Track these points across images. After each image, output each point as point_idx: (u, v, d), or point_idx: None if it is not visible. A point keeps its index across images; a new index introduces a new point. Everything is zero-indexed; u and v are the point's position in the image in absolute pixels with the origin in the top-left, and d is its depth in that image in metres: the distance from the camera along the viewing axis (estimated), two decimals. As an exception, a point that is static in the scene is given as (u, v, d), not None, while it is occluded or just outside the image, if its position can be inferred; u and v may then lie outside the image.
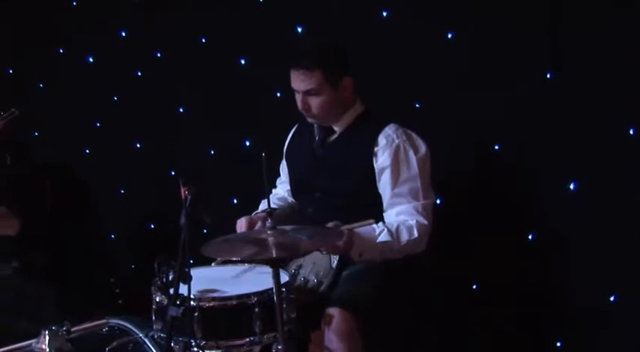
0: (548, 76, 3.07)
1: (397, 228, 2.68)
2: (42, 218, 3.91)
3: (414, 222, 2.70)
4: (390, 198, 2.76)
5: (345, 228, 2.61)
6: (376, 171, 2.78)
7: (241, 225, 2.82)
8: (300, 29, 3.65)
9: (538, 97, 3.10)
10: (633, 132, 2.91)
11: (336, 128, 2.89)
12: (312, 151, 2.95)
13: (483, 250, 3.25)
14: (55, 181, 4.48)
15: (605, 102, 2.95)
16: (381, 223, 2.72)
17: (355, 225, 2.64)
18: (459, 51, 3.25)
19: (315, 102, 2.79)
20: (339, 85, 2.80)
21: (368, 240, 2.65)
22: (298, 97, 2.82)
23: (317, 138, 2.93)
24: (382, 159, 2.77)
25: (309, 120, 2.89)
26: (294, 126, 3.15)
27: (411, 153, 2.77)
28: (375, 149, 2.78)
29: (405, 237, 2.67)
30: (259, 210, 2.92)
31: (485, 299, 3.33)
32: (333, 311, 2.55)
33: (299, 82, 2.78)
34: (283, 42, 3.60)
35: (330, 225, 2.63)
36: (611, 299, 3.04)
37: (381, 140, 2.78)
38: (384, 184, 2.77)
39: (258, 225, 2.78)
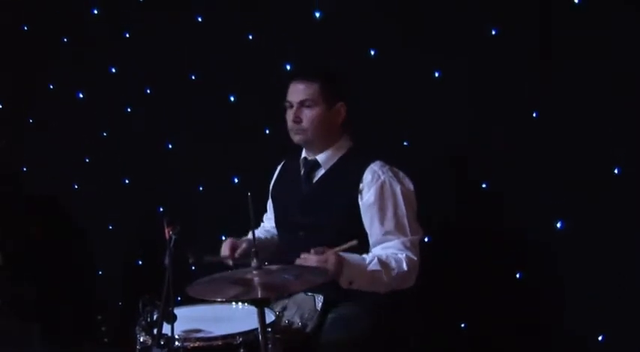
0: (534, 114, 3.10)
1: (387, 258, 2.63)
2: (26, 252, 3.88)
3: (404, 255, 2.66)
4: (377, 235, 2.72)
5: (331, 252, 2.56)
6: (362, 208, 2.74)
7: (225, 246, 2.83)
8: (288, 67, 3.68)
9: (524, 136, 3.12)
10: (618, 171, 2.93)
11: (321, 161, 2.87)
12: (298, 188, 2.92)
13: (471, 289, 3.24)
14: (43, 216, 4.48)
15: (591, 142, 2.98)
16: (371, 253, 2.68)
17: (339, 248, 2.59)
18: (446, 89, 3.27)
19: (307, 114, 2.80)
20: (334, 106, 2.82)
21: (358, 267, 2.59)
22: (290, 112, 2.83)
23: (302, 172, 2.91)
24: (367, 196, 2.73)
25: (296, 138, 2.85)
26: (281, 162, 3.16)
27: (397, 188, 2.73)
28: (361, 186, 2.75)
29: (394, 268, 2.62)
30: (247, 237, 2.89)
31: (474, 338, 3.31)
32: None
33: (297, 92, 2.81)
34: (272, 79, 3.62)
35: (317, 249, 2.56)
36: (600, 338, 3.04)
37: (367, 176, 2.75)
38: (370, 221, 2.73)
39: (242, 247, 2.80)
